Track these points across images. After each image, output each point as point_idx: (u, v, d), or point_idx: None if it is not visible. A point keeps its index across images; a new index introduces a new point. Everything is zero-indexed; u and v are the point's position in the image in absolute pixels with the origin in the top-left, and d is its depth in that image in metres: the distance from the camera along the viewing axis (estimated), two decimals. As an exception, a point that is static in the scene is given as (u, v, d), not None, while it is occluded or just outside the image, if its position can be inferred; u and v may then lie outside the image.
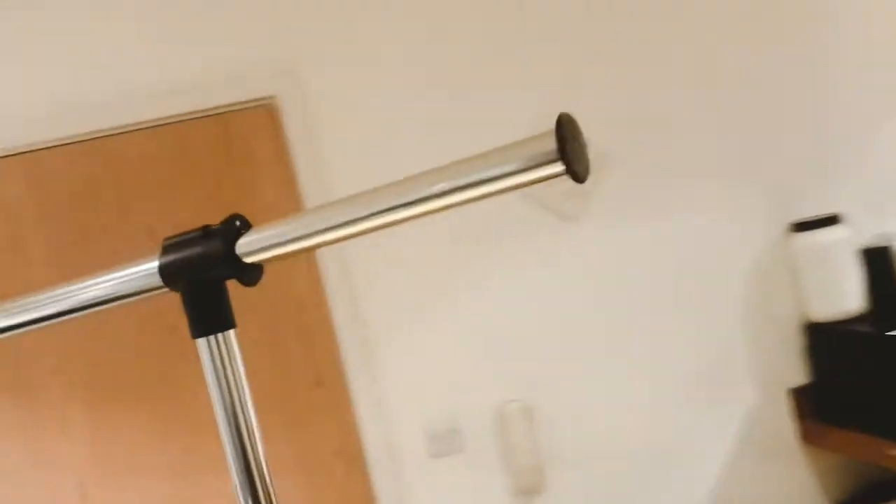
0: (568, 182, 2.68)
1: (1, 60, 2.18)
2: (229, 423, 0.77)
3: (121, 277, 0.78)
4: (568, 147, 0.59)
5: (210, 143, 2.27)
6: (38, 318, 0.77)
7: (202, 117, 2.26)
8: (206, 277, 0.76)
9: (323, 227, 0.73)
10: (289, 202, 2.27)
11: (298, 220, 0.75)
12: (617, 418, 2.47)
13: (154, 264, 0.77)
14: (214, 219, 0.76)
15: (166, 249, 0.77)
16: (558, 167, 0.59)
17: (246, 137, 2.28)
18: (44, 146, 2.16)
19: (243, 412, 0.77)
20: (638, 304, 2.49)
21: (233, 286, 0.78)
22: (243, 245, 0.75)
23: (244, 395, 0.77)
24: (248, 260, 0.75)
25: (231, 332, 0.78)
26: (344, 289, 2.29)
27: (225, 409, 0.77)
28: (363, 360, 2.30)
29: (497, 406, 2.40)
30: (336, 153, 2.31)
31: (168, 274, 0.76)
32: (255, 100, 2.28)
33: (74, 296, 0.78)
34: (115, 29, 2.24)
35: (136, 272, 0.78)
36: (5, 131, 2.13)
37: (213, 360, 0.77)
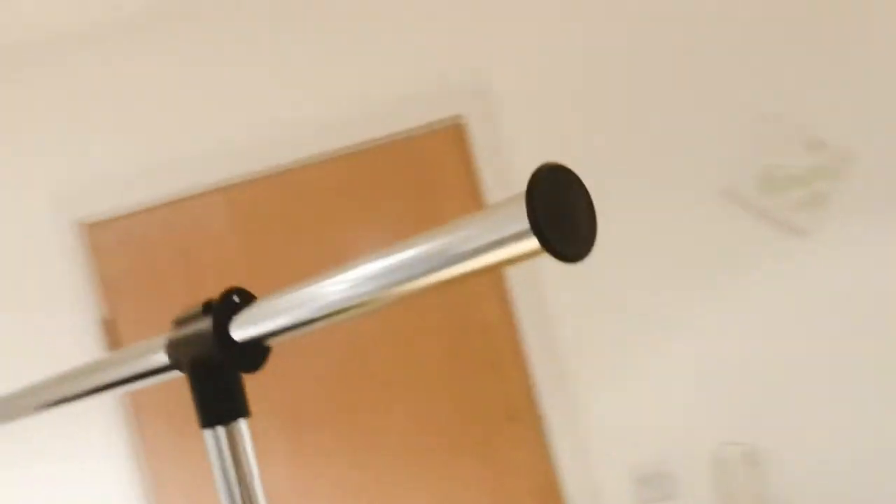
0: (800, 189, 2.31)
1: (199, 102, 2.29)
2: (238, 528, 0.66)
3: (130, 356, 0.71)
4: (545, 214, 0.41)
5: (399, 167, 2.22)
6: (38, 406, 0.71)
7: (391, 141, 2.22)
8: (205, 360, 0.65)
9: (316, 312, 0.60)
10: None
11: (300, 294, 0.62)
12: (858, 465, 2.07)
13: (163, 342, 0.68)
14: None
15: (176, 325, 0.68)
16: (530, 243, 0.41)
17: (434, 159, 2.21)
18: (242, 179, 2.23)
19: (253, 516, 0.65)
20: (884, 331, 2.08)
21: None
22: (238, 324, 0.64)
23: (256, 494, 0.66)
24: (244, 340, 0.64)
25: (241, 422, 0.67)
26: (537, 316, 2.13)
27: (233, 511, 0.66)
28: (560, 394, 2.12)
29: (714, 449, 2.11)
30: (524, 171, 2.17)
31: (172, 354, 0.67)
32: (443, 120, 2.19)
33: (81, 379, 0.71)
34: (304, 59, 2.26)
35: (146, 350, 0.70)
36: (208, 167, 2.23)
37: (219, 455, 0.66)
